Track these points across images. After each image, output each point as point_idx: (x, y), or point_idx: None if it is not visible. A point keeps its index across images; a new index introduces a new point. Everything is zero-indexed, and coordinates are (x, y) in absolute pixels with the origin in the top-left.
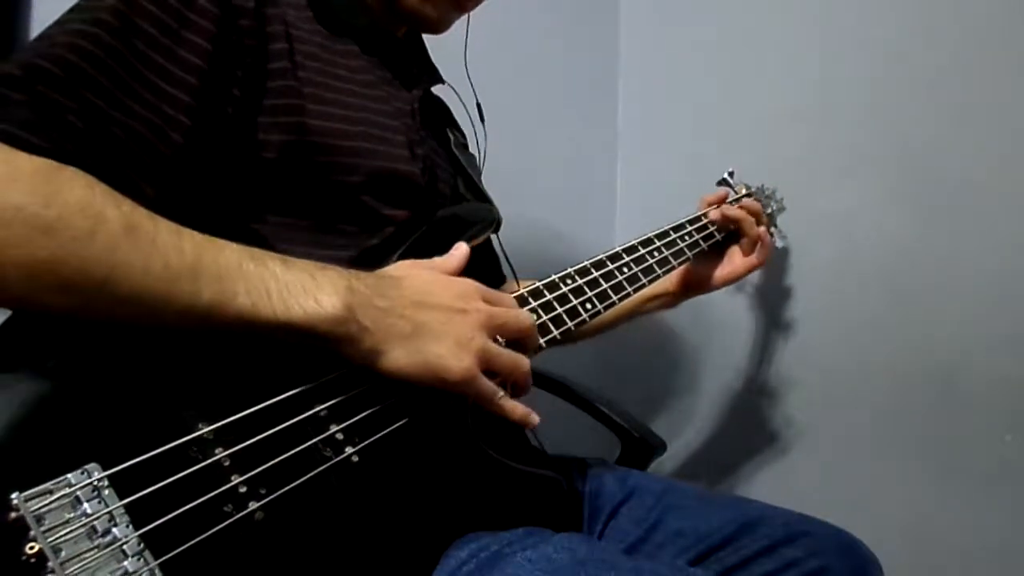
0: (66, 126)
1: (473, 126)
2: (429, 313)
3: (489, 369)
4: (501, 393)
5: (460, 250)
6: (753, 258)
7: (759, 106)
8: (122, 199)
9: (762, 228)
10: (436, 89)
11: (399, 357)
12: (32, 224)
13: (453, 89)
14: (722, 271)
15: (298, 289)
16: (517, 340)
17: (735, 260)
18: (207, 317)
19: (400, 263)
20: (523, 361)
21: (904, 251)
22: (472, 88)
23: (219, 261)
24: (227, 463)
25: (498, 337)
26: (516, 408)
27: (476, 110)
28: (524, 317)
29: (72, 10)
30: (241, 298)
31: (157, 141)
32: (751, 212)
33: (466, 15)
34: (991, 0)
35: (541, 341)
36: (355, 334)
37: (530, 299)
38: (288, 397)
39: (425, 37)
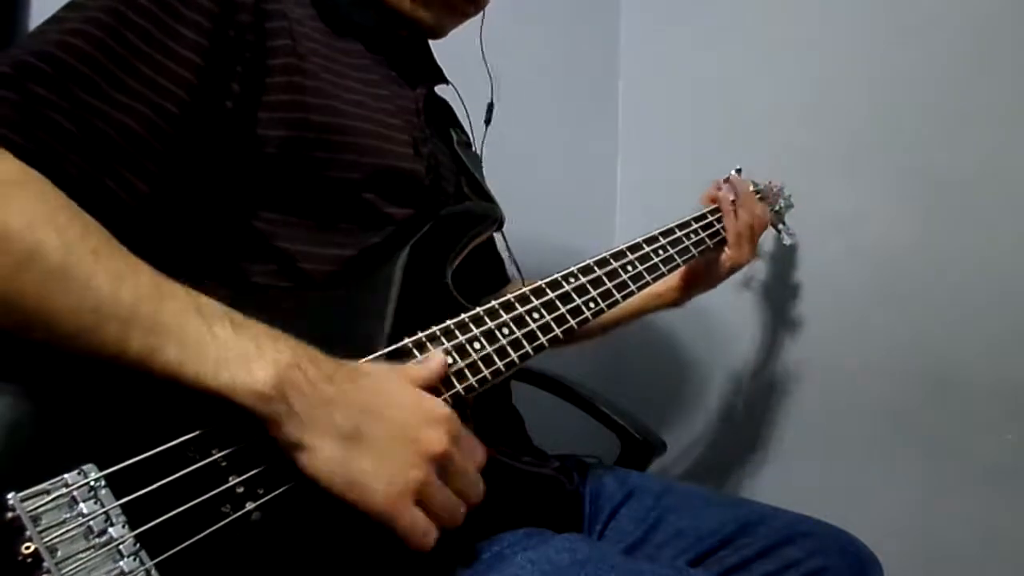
0: (53, 124)
1: (471, 124)
2: (376, 423)
3: (423, 506)
4: (434, 534)
5: (435, 360)
6: (736, 224)
7: (759, 105)
8: (71, 224)
9: (724, 191)
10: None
11: (321, 460)
12: None
13: (455, 89)
14: (725, 256)
15: (236, 355)
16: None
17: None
18: (136, 365)
19: (378, 363)
20: (460, 511)
21: (904, 250)
22: (491, 80)
23: (157, 312)
24: (224, 463)
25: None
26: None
27: (485, 108)
28: (479, 484)
29: (67, 7)
30: (169, 354)
31: (149, 136)
32: (736, 192)
33: (478, 16)
34: (992, 0)
35: (544, 340)
36: (281, 417)
37: (532, 297)
38: None
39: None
